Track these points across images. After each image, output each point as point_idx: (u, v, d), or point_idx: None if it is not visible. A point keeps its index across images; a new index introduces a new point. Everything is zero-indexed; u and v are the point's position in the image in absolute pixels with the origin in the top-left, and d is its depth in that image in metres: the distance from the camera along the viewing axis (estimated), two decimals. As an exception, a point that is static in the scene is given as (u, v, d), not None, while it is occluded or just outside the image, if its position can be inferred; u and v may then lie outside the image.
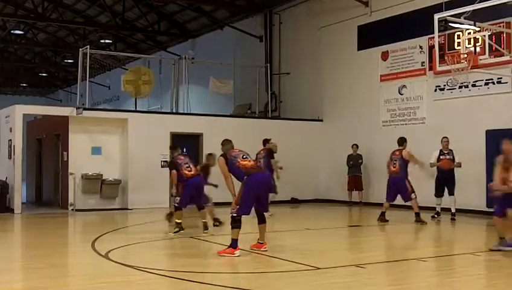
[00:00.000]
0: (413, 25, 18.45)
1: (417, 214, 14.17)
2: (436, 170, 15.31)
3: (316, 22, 22.25)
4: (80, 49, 20.12)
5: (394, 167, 14.37)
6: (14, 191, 17.99)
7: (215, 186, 13.52)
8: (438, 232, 13.40)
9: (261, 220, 10.23)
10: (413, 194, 14.21)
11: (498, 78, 16.13)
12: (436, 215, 15.08)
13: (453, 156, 15.08)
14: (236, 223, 9.74)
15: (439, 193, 15.22)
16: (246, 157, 10.07)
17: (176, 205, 12.69)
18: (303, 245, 12.06)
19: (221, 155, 10.10)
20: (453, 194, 15.10)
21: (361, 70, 20.52)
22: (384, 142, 19.08)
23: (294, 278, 8.30)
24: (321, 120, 21.96)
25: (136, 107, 23.36)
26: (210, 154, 13.68)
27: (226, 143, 10.37)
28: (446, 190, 15.10)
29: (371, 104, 20.10)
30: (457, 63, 13.69)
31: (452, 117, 17.15)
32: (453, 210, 15.12)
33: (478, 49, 13.96)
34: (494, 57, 14.24)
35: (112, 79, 34.28)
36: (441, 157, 14.99)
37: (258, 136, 19.54)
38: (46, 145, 21.87)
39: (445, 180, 15.10)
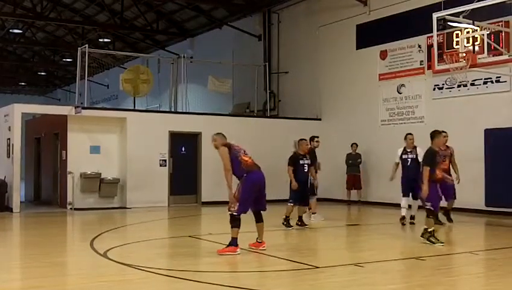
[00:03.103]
0: (412, 24, 18.47)
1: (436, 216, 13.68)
2: (400, 170, 14.16)
3: (314, 21, 22.25)
4: (79, 48, 20.11)
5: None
6: (12, 190, 17.99)
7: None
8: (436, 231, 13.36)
9: (259, 219, 10.22)
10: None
11: (497, 77, 16.15)
12: (403, 221, 13.86)
13: (416, 155, 13.71)
14: (236, 222, 9.71)
15: (405, 193, 13.92)
16: (247, 154, 10.05)
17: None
18: (301, 244, 12.08)
19: (224, 145, 9.89)
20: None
21: (360, 69, 20.53)
22: (383, 141, 19.13)
23: (293, 277, 8.31)
24: (319, 119, 21.96)
25: (134, 106, 23.35)
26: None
27: (222, 136, 10.09)
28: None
29: (369, 103, 20.11)
30: (456, 62, 13.68)
31: (451, 116, 17.16)
32: (413, 213, 13.93)
33: (477, 48, 13.96)
34: (493, 56, 14.24)
35: (110, 78, 34.30)
36: (403, 156, 13.91)
37: (256, 135, 19.62)
38: (45, 144, 21.87)
39: (409, 181, 13.68)
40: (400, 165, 14.09)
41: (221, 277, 8.41)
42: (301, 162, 13.61)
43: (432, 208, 10.85)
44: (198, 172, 20.35)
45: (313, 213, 14.86)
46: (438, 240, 10.79)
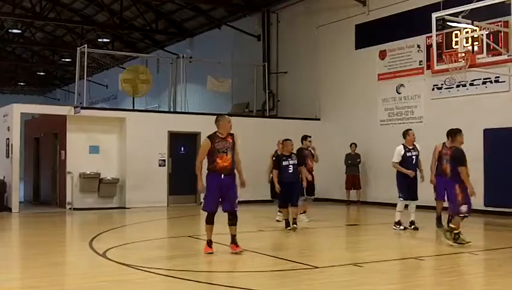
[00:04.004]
0: (411, 23, 18.47)
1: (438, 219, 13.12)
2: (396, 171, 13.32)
3: (313, 21, 22.25)
4: (78, 48, 20.09)
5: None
6: (11, 190, 17.99)
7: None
8: (435, 231, 13.33)
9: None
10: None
11: (496, 77, 16.15)
12: (400, 227, 13.06)
13: (418, 153, 13.24)
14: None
15: (407, 197, 13.13)
16: None
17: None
18: (301, 244, 12.07)
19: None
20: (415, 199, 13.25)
21: (359, 69, 20.54)
22: (382, 141, 19.12)
23: (292, 277, 8.30)
24: (318, 119, 21.96)
25: (133, 106, 23.37)
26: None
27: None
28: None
29: (368, 103, 20.12)
30: (455, 62, 13.67)
31: (450, 116, 17.14)
32: (413, 218, 13.21)
33: (476, 48, 13.93)
34: (492, 56, 14.22)
35: (109, 78, 34.26)
36: (408, 154, 13.06)
37: (255, 135, 19.62)
38: (44, 144, 21.85)
39: (412, 180, 13.11)
40: (392, 165, 13.15)
41: (221, 277, 8.41)
42: (284, 163, 13.00)
43: (467, 214, 10.57)
44: (197, 172, 20.29)
45: (301, 213, 14.71)
46: (465, 240, 10.58)
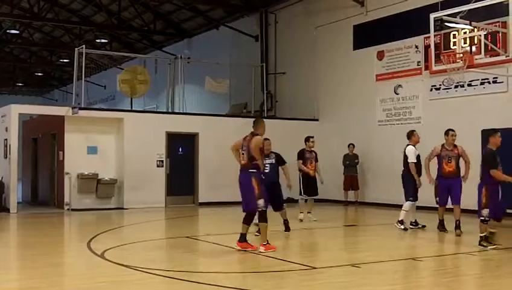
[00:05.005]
0: (409, 24, 18.48)
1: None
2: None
3: (311, 22, 22.26)
4: (76, 49, 20.10)
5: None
6: (10, 190, 17.98)
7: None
8: (433, 232, 13.34)
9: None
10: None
11: (494, 78, 16.17)
12: (401, 227, 13.03)
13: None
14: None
15: (415, 198, 13.25)
16: (243, 153, 10.15)
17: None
18: (299, 245, 12.07)
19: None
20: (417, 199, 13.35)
21: (357, 69, 20.54)
22: (380, 142, 19.15)
23: (291, 277, 8.31)
24: (317, 120, 21.97)
25: (131, 107, 23.32)
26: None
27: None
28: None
29: (366, 104, 20.12)
30: (453, 62, 13.66)
31: (448, 117, 17.14)
32: (414, 217, 13.41)
33: (474, 48, 13.92)
34: (490, 56, 14.22)
35: (107, 79, 34.21)
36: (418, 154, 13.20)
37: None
38: (42, 145, 21.84)
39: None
40: (410, 166, 13.05)
41: (219, 278, 8.39)
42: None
43: (487, 218, 10.35)
44: (195, 173, 20.32)
45: (300, 212, 14.77)
46: (491, 243, 10.45)
